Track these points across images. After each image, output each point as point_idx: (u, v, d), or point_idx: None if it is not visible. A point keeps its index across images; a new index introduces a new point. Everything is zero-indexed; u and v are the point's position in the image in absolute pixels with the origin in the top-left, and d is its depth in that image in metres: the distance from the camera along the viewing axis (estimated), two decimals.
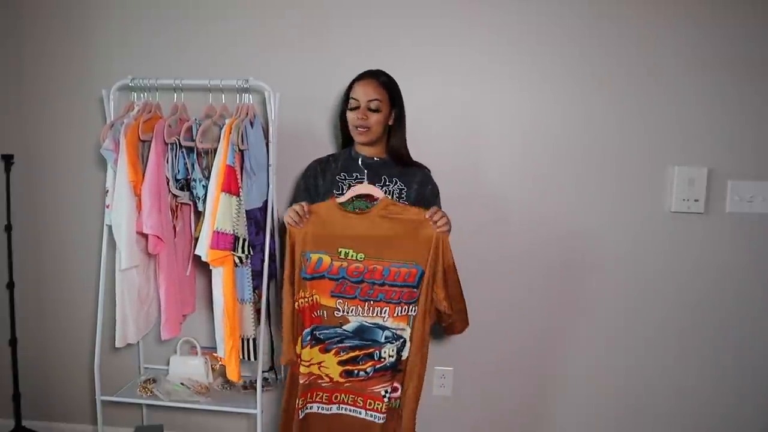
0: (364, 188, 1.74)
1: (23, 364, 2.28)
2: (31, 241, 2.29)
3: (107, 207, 1.92)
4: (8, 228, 2.21)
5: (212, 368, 2.12)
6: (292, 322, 1.72)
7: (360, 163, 1.83)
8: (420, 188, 1.81)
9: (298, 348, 1.74)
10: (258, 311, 1.95)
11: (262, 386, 1.94)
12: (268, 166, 1.95)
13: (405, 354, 1.72)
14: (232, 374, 1.87)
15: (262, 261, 1.92)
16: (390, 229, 1.67)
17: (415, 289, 1.69)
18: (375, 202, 1.70)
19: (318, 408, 1.77)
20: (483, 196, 2.10)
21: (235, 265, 1.84)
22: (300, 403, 1.74)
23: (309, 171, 1.88)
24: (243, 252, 1.81)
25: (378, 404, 1.75)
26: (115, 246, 1.90)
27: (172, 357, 2.12)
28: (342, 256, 1.69)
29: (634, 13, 2.01)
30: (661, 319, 2.12)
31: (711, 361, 2.13)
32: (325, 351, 1.73)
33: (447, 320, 1.75)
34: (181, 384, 2.02)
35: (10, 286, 2.22)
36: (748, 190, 2.04)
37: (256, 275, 1.93)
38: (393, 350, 1.72)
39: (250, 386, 2.05)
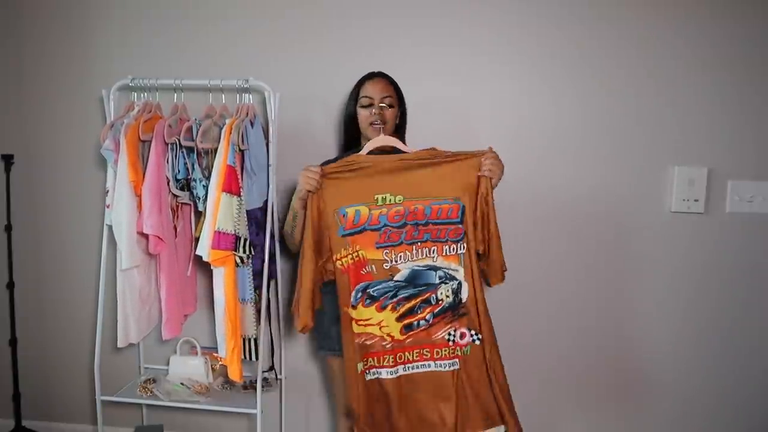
0: (384, 140, 1.69)
1: (23, 364, 2.27)
2: (31, 241, 2.29)
3: (107, 207, 1.92)
4: (8, 228, 2.21)
5: (212, 368, 2.12)
6: (311, 288, 1.62)
7: None
8: None
9: (350, 311, 1.63)
10: (259, 311, 1.95)
11: (262, 386, 1.94)
12: (268, 166, 1.95)
13: (464, 296, 1.63)
14: (234, 374, 1.87)
15: (263, 261, 1.92)
16: (428, 168, 1.61)
17: (460, 225, 1.62)
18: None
19: (387, 373, 1.63)
20: None
21: (236, 265, 1.84)
22: (362, 366, 1.63)
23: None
24: (244, 252, 1.81)
25: (445, 350, 1.63)
26: (116, 246, 1.90)
27: (172, 357, 2.12)
28: (380, 203, 1.62)
29: (634, 14, 2.01)
30: (661, 319, 2.12)
31: (711, 361, 2.13)
32: (382, 308, 1.63)
33: (483, 265, 1.67)
34: (181, 384, 2.02)
35: (10, 286, 2.22)
36: (748, 190, 2.04)
37: (257, 275, 1.93)
38: (449, 291, 1.63)
39: (250, 386, 2.05)
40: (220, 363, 2.12)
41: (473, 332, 1.64)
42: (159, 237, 1.84)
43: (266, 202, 1.96)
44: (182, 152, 1.88)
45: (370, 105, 1.78)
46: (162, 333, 1.96)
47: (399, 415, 1.63)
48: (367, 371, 1.64)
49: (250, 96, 1.98)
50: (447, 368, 1.64)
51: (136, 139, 1.86)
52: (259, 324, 1.94)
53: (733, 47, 2.00)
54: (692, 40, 2.01)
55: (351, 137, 1.89)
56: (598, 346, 2.16)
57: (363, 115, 1.80)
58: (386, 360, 1.64)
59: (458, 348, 1.64)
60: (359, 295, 1.64)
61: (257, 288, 1.93)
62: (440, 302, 1.64)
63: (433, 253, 1.63)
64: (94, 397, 2.01)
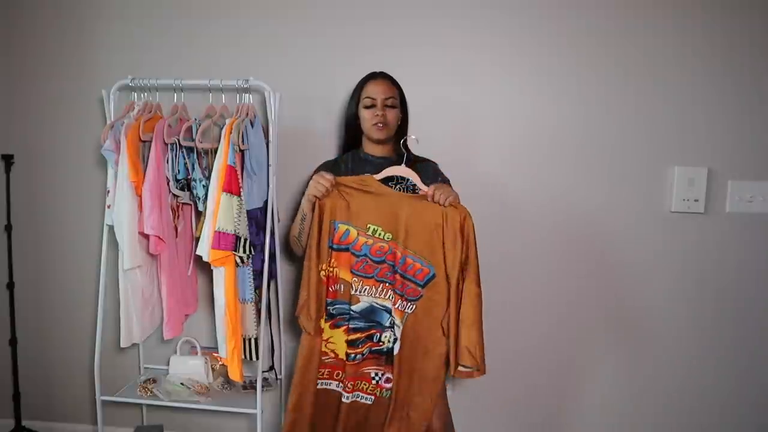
0: (398, 170, 1.72)
1: (23, 364, 2.27)
2: (31, 241, 2.29)
3: (108, 207, 1.92)
4: (8, 228, 2.21)
5: (212, 368, 2.12)
6: (318, 291, 1.69)
7: (371, 162, 1.83)
8: (431, 181, 1.80)
9: (322, 321, 1.71)
10: (259, 311, 1.95)
11: (262, 386, 1.94)
12: (268, 166, 1.95)
13: (396, 349, 1.70)
14: (234, 374, 1.87)
15: (263, 261, 1.92)
16: (413, 209, 1.66)
17: (420, 288, 1.68)
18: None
19: (336, 386, 1.75)
20: (482, 195, 2.09)
21: (237, 265, 1.84)
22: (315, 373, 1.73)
23: (321, 170, 1.86)
24: (244, 252, 1.81)
25: (365, 384, 1.74)
26: (116, 246, 1.90)
27: (172, 357, 2.12)
28: (369, 233, 1.68)
29: (634, 14, 2.01)
30: (661, 319, 2.12)
31: (711, 360, 2.13)
32: (335, 327, 1.72)
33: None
34: (181, 384, 2.02)
35: (10, 286, 2.22)
36: (748, 190, 2.04)
37: (257, 275, 1.93)
38: (390, 338, 1.71)
39: (250, 386, 2.05)
40: (220, 363, 2.12)
41: (388, 386, 1.73)
42: (159, 237, 1.84)
43: (266, 202, 1.96)
44: (182, 152, 1.88)
45: (373, 106, 1.78)
46: (163, 333, 1.96)
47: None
48: (319, 380, 1.73)
49: (250, 96, 1.98)
50: (363, 400, 1.75)
51: (136, 139, 1.86)
52: (260, 324, 1.94)
53: (733, 47, 2.00)
54: (692, 41, 2.01)
55: (352, 137, 1.89)
56: (598, 346, 2.16)
57: (367, 115, 1.79)
58: (323, 373, 1.74)
59: (379, 389, 1.75)
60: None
61: (257, 288, 1.93)
62: (381, 344, 1.72)
63: (392, 298, 1.69)
64: (94, 397, 2.01)
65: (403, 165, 1.73)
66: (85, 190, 2.22)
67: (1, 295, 2.25)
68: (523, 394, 2.20)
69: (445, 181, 1.85)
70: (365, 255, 1.69)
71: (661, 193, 2.07)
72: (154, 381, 2.07)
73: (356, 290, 1.71)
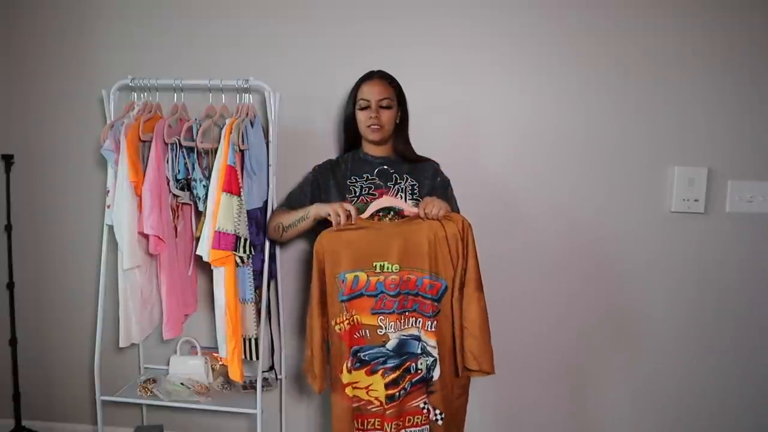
0: (387, 201, 1.70)
1: (23, 364, 2.27)
2: (31, 241, 2.29)
3: (108, 207, 1.92)
4: (8, 228, 2.21)
5: (212, 368, 2.12)
6: (321, 349, 1.65)
7: (370, 163, 1.84)
8: (431, 181, 1.82)
9: (344, 376, 1.65)
10: (259, 311, 1.95)
11: (262, 386, 1.94)
12: (268, 166, 1.95)
13: (435, 374, 1.65)
14: (235, 374, 1.87)
15: (263, 261, 1.92)
16: (408, 232, 1.63)
17: (437, 303, 1.65)
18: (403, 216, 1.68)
19: None
20: (483, 195, 2.10)
21: (237, 265, 1.84)
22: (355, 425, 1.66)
23: (322, 167, 1.88)
24: (244, 252, 1.81)
25: (418, 418, 1.67)
26: (116, 246, 1.90)
27: (172, 357, 2.12)
28: (378, 270, 1.62)
29: (634, 13, 2.01)
30: (661, 319, 2.12)
31: (711, 360, 2.13)
32: (372, 372, 1.65)
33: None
34: (181, 384, 2.02)
35: (10, 286, 2.22)
36: (748, 190, 2.04)
37: (257, 275, 1.93)
38: (425, 364, 1.65)
39: (250, 386, 2.05)
40: (220, 363, 2.12)
41: (437, 411, 1.68)
42: (159, 237, 1.84)
43: (266, 202, 1.96)
44: (182, 152, 1.89)
45: (368, 107, 1.78)
46: (163, 333, 1.96)
47: None
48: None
49: (250, 96, 1.98)
50: None
51: (136, 139, 1.87)
52: (260, 324, 1.94)
53: (733, 47, 2.00)
54: (692, 40, 2.01)
55: (352, 137, 1.89)
56: (598, 346, 2.16)
57: (362, 117, 1.80)
58: (374, 423, 1.67)
59: (430, 415, 1.68)
60: (351, 358, 1.66)
61: (257, 288, 1.93)
62: (419, 372, 1.66)
63: (419, 323, 1.66)
64: (94, 397, 2.01)
65: (385, 196, 1.72)
66: (85, 190, 2.22)
67: (1, 295, 2.25)
68: (523, 394, 2.20)
69: (444, 181, 1.85)
70: (382, 292, 1.63)
71: (661, 193, 2.07)
72: (154, 381, 2.07)
73: (386, 328, 1.64)
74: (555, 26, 2.03)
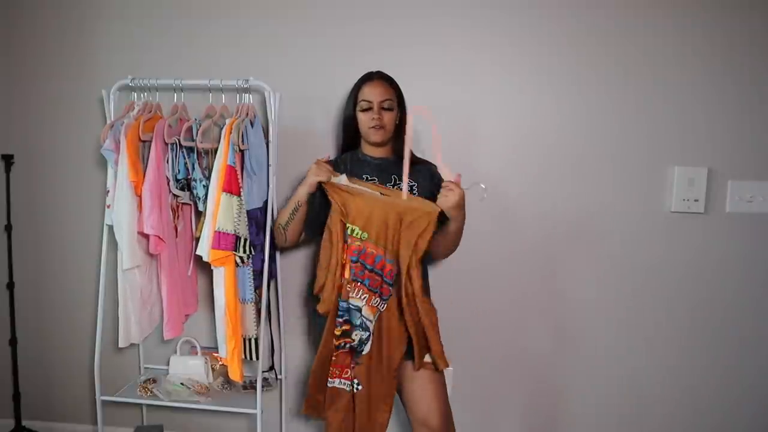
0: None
1: (23, 364, 2.27)
2: (31, 241, 2.29)
3: (108, 207, 1.92)
4: (8, 228, 2.21)
5: (212, 368, 2.12)
6: (336, 268, 1.67)
7: (369, 164, 1.83)
8: (429, 183, 1.81)
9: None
10: (259, 311, 1.95)
11: (262, 386, 1.94)
12: (268, 166, 1.95)
13: (365, 349, 1.68)
14: (235, 374, 1.87)
15: (263, 261, 1.92)
16: (399, 210, 1.66)
17: (390, 288, 1.68)
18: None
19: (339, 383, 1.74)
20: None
21: (237, 265, 1.84)
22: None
23: None
24: (244, 252, 1.81)
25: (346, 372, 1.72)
26: (116, 246, 1.90)
27: (172, 357, 2.12)
28: (349, 233, 1.67)
29: (634, 13, 2.01)
30: (661, 319, 2.12)
31: (711, 360, 2.13)
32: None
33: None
34: (181, 384, 2.02)
35: (10, 286, 2.22)
36: (748, 190, 2.04)
37: (257, 275, 1.93)
38: (360, 337, 1.68)
39: (250, 386, 2.05)
40: (220, 363, 2.12)
41: (356, 382, 1.70)
42: (159, 237, 1.84)
43: (266, 202, 1.96)
44: (182, 152, 1.89)
45: (369, 109, 1.77)
46: (163, 333, 1.96)
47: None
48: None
49: (250, 96, 1.98)
50: (345, 387, 1.71)
51: (136, 139, 1.87)
52: (260, 324, 1.94)
53: (733, 47, 2.00)
54: (692, 40, 2.01)
55: (351, 138, 1.88)
56: (597, 346, 2.16)
57: (364, 118, 1.78)
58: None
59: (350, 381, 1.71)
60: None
61: (257, 288, 1.93)
62: (352, 340, 1.68)
63: (364, 299, 1.67)
64: (94, 397, 2.01)
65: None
66: (85, 190, 2.22)
67: (1, 295, 2.25)
68: (523, 394, 2.20)
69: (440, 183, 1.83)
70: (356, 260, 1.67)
71: (661, 193, 2.07)
72: (154, 381, 2.07)
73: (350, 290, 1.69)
74: (555, 26, 2.03)
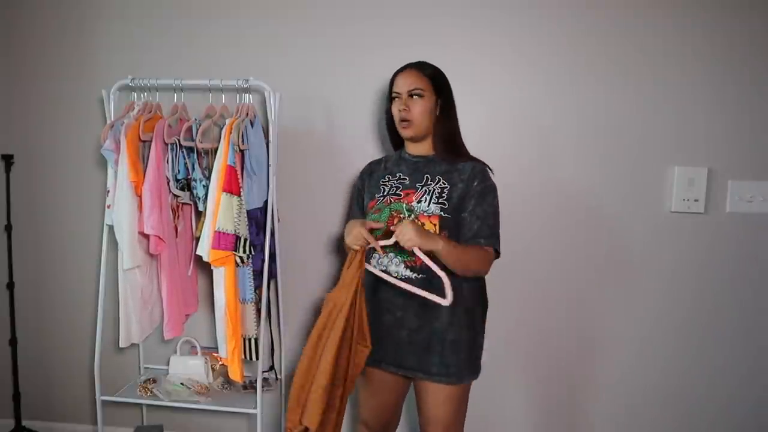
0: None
1: (23, 364, 2.28)
2: (31, 241, 2.29)
3: (108, 207, 1.92)
4: (8, 228, 2.21)
5: (212, 368, 2.12)
6: (326, 387, 1.51)
7: (406, 161, 1.72)
8: (466, 185, 1.63)
9: None
10: (259, 311, 1.95)
11: (262, 386, 1.94)
12: (268, 166, 1.95)
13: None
14: (235, 374, 1.88)
15: (263, 261, 1.92)
16: None
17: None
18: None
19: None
20: None
21: (237, 265, 1.84)
22: None
23: (363, 170, 1.81)
24: (244, 252, 1.81)
25: None
26: (116, 246, 1.90)
27: (172, 357, 2.12)
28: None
29: (634, 13, 2.01)
30: (661, 319, 2.12)
31: (711, 360, 2.13)
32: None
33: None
34: (181, 384, 2.02)
35: (10, 286, 2.22)
36: (748, 190, 2.04)
37: (257, 275, 1.93)
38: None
39: (250, 386, 2.05)
40: (220, 363, 2.12)
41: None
42: (159, 237, 1.84)
43: (266, 202, 1.96)
44: (182, 152, 1.89)
45: (398, 98, 1.67)
46: (163, 333, 1.96)
47: None
48: None
49: (250, 96, 1.98)
50: None
51: (136, 139, 1.87)
52: (260, 324, 1.94)
53: (733, 47, 2.00)
54: (692, 40, 2.00)
55: (394, 134, 1.76)
56: (596, 346, 2.16)
57: (393, 111, 1.69)
58: None
59: None
60: None
61: (257, 288, 1.93)
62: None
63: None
64: (94, 397, 2.01)
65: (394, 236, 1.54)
66: (85, 190, 2.22)
67: (1, 295, 2.25)
68: (522, 393, 2.20)
69: (486, 187, 1.64)
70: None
71: (661, 193, 2.07)
72: (154, 381, 2.07)
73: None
74: (555, 26, 2.03)
